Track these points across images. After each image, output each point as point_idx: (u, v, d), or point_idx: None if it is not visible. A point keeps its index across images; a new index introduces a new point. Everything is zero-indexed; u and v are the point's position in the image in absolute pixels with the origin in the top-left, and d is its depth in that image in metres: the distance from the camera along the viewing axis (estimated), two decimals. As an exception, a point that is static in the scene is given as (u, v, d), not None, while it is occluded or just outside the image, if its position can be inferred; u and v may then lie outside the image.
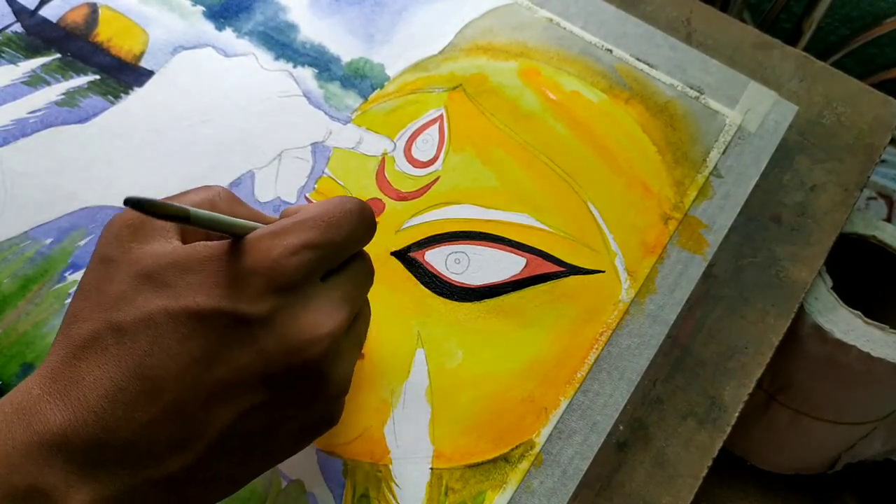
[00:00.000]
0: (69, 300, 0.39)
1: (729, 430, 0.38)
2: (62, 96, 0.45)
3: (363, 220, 0.30)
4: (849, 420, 0.51)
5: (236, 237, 0.27)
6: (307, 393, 0.28)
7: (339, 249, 0.29)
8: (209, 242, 0.27)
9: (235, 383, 0.26)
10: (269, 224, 0.29)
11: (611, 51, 0.47)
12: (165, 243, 0.27)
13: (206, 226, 0.26)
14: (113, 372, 0.25)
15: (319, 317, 0.27)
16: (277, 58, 0.47)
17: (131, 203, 0.23)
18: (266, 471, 0.30)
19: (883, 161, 0.64)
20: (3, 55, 0.46)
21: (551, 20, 0.48)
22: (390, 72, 0.47)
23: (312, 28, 0.48)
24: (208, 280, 0.26)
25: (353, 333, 0.30)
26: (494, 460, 0.36)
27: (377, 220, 0.41)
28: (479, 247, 0.41)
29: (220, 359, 0.25)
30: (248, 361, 0.26)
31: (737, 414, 0.38)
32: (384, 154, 0.44)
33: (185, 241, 0.28)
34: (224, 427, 0.26)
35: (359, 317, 0.31)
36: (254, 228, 0.28)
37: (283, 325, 0.26)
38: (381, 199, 0.42)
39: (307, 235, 0.27)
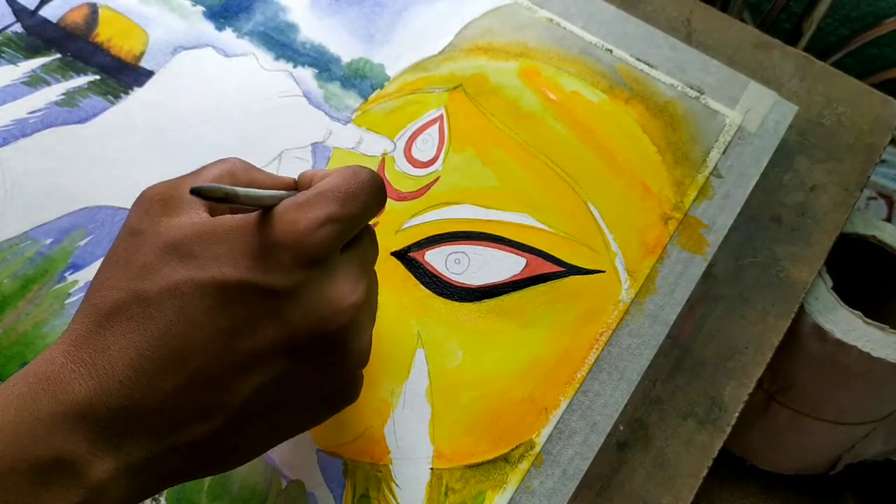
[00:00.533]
0: (69, 300, 0.39)
1: (729, 430, 0.38)
2: (62, 96, 0.45)
3: (377, 190, 0.30)
4: (849, 420, 0.51)
5: (266, 209, 0.27)
6: (330, 364, 0.28)
7: (357, 221, 0.29)
8: (235, 215, 0.27)
9: (260, 354, 0.26)
10: (287, 187, 0.29)
11: (611, 51, 0.47)
12: (194, 215, 0.27)
13: (249, 203, 0.26)
14: (138, 341, 0.25)
15: (343, 289, 0.28)
16: (277, 58, 0.47)
17: (194, 192, 0.24)
18: (287, 439, 0.30)
19: (883, 161, 0.64)
20: (3, 55, 0.46)
21: (551, 20, 0.48)
22: (390, 72, 0.47)
23: (312, 28, 0.48)
24: (235, 252, 0.26)
25: (369, 304, 0.30)
26: (494, 460, 0.36)
27: (377, 220, 0.41)
28: (479, 247, 0.41)
29: (245, 330, 0.26)
30: (274, 333, 0.26)
31: (737, 414, 0.38)
32: (384, 154, 0.44)
33: (211, 214, 0.28)
34: (247, 397, 0.26)
35: (371, 288, 0.31)
36: (281, 199, 0.28)
37: (308, 297, 0.27)
38: (381, 200, 0.42)
39: (330, 208, 0.27)
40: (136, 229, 0.27)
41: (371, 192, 0.29)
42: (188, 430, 0.26)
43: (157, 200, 0.28)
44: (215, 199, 0.25)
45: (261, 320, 0.26)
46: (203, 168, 0.30)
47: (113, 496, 0.25)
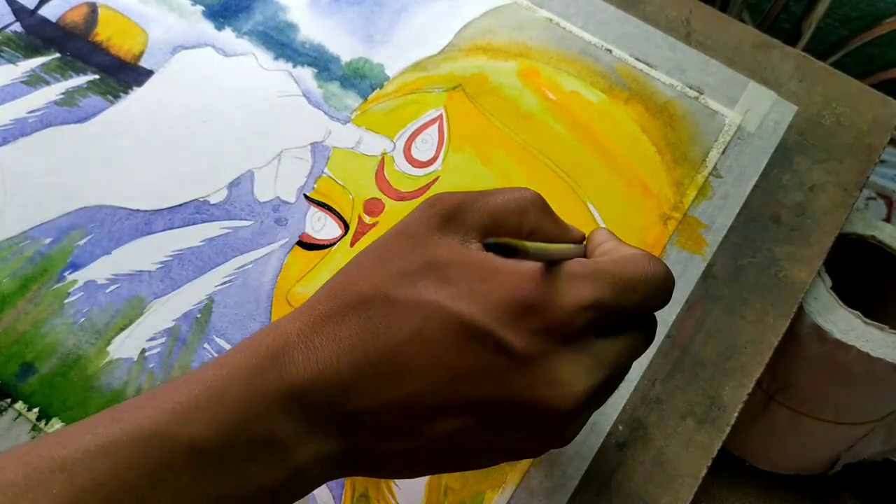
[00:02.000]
0: (68, 299, 0.39)
1: (728, 430, 0.38)
2: (61, 96, 0.45)
3: (663, 289, 0.29)
4: (848, 420, 0.51)
5: (550, 263, 0.26)
6: (532, 435, 0.28)
7: (626, 313, 0.28)
8: (505, 259, 0.26)
9: (474, 403, 0.26)
10: (575, 240, 0.29)
11: (610, 51, 0.47)
12: (468, 242, 0.27)
13: (536, 258, 0.26)
14: (369, 344, 0.25)
15: (578, 374, 0.26)
16: (277, 57, 0.47)
17: (488, 246, 0.24)
18: (456, 472, 0.31)
19: (882, 161, 0.64)
20: (2, 55, 0.46)
21: (551, 20, 0.48)
22: (390, 72, 0.47)
23: (312, 28, 0.48)
24: (491, 295, 0.25)
25: (597, 399, 0.29)
26: (494, 460, 0.36)
27: (377, 219, 0.41)
28: (479, 247, 0.41)
29: (469, 377, 0.25)
30: (494, 391, 0.26)
31: (736, 414, 0.38)
32: (384, 154, 0.44)
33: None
34: (445, 435, 0.26)
35: (611, 382, 0.29)
36: (565, 257, 0.27)
37: (539, 370, 0.26)
38: (380, 199, 0.42)
39: (601, 292, 0.26)
40: (411, 232, 0.27)
41: (655, 290, 0.28)
42: (382, 443, 0.26)
43: (441, 214, 0.27)
44: (504, 253, 0.24)
45: (486, 372, 0.25)
46: (500, 192, 0.29)
47: (307, 479, 0.26)
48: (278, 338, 0.26)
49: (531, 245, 0.25)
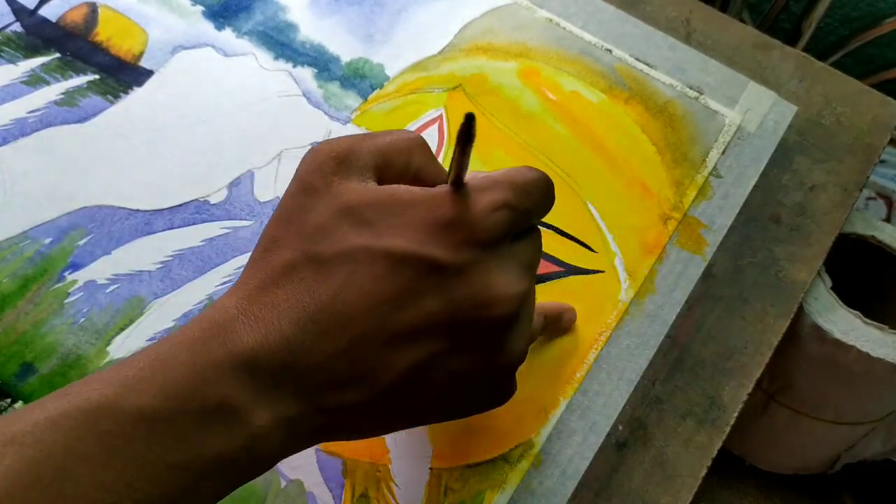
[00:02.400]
0: (69, 299, 0.39)
1: (728, 430, 0.38)
2: (61, 96, 0.45)
3: (548, 191, 0.30)
4: (848, 420, 0.51)
5: (456, 182, 0.27)
6: (484, 353, 0.28)
7: (527, 215, 0.29)
8: (411, 187, 0.27)
9: (420, 328, 0.26)
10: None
11: (610, 51, 0.47)
12: (364, 182, 0.28)
13: (451, 166, 0.26)
14: (307, 301, 0.25)
15: (510, 277, 0.27)
16: (277, 57, 0.47)
17: (468, 117, 0.24)
18: (422, 425, 0.30)
19: (882, 161, 0.64)
20: (2, 55, 0.46)
21: (551, 20, 0.48)
22: (390, 72, 0.47)
23: (312, 28, 0.48)
24: (410, 224, 0.26)
25: (530, 303, 0.30)
26: (494, 460, 0.36)
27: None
28: (479, 247, 0.41)
29: (410, 302, 0.26)
30: (437, 309, 0.26)
31: (736, 414, 0.38)
32: (384, 154, 0.44)
33: (378, 182, 0.28)
34: (402, 370, 0.26)
35: (533, 288, 0.30)
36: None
37: (475, 278, 0.27)
38: (380, 199, 0.42)
39: (505, 195, 0.27)
40: (309, 185, 0.28)
41: (543, 190, 0.29)
42: (339, 394, 0.26)
43: (332, 157, 0.28)
44: (467, 138, 0.25)
45: (426, 295, 0.26)
46: (387, 133, 0.30)
47: (268, 446, 0.26)
48: (218, 312, 0.26)
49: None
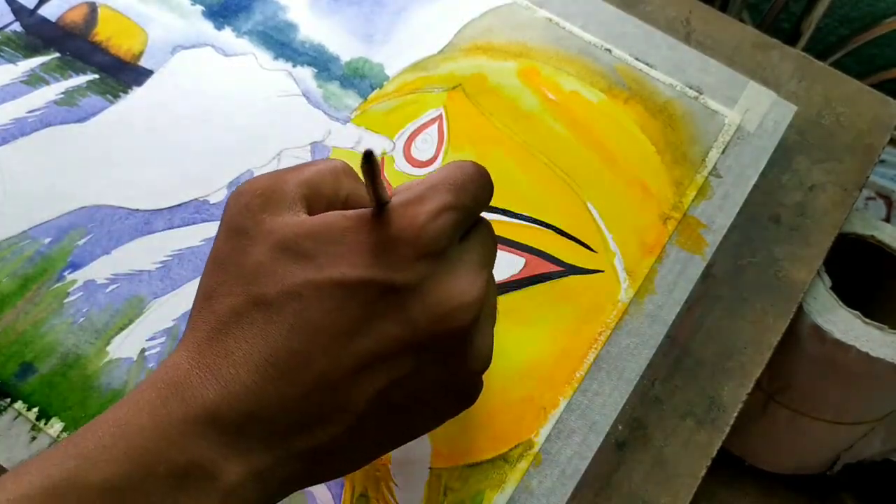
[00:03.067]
0: (68, 299, 0.39)
1: (728, 429, 0.38)
2: (61, 95, 0.45)
3: (485, 180, 0.29)
4: (848, 420, 0.51)
5: (380, 205, 0.26)
6: (451, 364, 0.27)
7: (470, 212, 0.28)
8: (344, 212, 0.26)
9: (383, 353, 0.25)
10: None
11: (610, 51, 0.47)
12: (295, 215, 0.27)
13: (373, 192, 0.26)
14: (261, 346, 0.24)
15: (464, 283, 0.27)
16: (276, 57, 0.47)
17: (367, 155, 0.24)
18: (401, 445, 0.29)
19: (882, 161, 0.64)
20: (2, 54, 0.46)
21: (550, 20, 0.48)
22: (389, 71, 0.47)
23: (312, 28, 0.48)
24: (352, 249, 0.25)
25: (490, 301, 0.29)
26: (493, 460, 0.36)
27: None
28: (479, 246, 0.41)
29: (367, 329, 0.25)
30: (397, 331, 0.25)
31: (735, 414, 0.38)
32: (383, 154, 0.44)
33: (309, 213, 0.27)
34: (371, 397, 0.26)
35: (491, 283, 0.30)
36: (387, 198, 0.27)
37: (430, 292, 0.26)
38: (380, 199, 0.42)
39: (444, 198, 0.27)
40: (239, 228, 0.27)
41: (480, 182, 0.29)
42: (311, 435, 0.25)
43: (257, 195, 0.27)
44: (370, 170, 0.24)
45: (382, 319, 0.25)
46: (310, 164, 0.29)
47: (243, 499, 0.24)
48: (170, 369, 0.25)
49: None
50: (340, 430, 0.26)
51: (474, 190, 0.28)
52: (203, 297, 0.26)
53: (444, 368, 0.27)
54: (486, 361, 0.29)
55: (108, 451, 0.23)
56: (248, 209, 0.27)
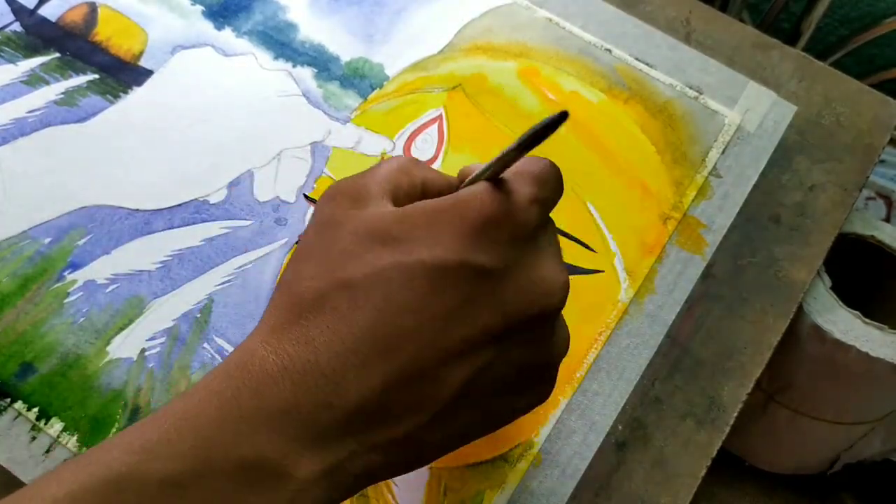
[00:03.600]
0: (68, 299, 0.39)
1: (728, 429, 0.38)
2: (61, 95, 0.45)
3: (560, 176, 0.28)
4: (848, 420, 0.51)
5: (496, 180, 0.26)
6: (535, 349, 0.27)
7: (552, 203, 0.28)
8: (431, 200, 0.26)
9: (473, 340, 0.24)
10: (457, 183, 0.28)
11: (610, 51, 0.47)
12: (384, 206, 0.26)
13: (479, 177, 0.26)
14: (344, 332, 0.23)
15: (553, 267, 0.26)
16: (277, 57, 0.47)
17: (564, 115, 0.23)
18: (477, 439, 0.28)
19: (882, 161, 0.64)
20: (2, 54, 0.46)
21: (550, 20, 0.48)
22: (389, 71, 0.47)
23: (312, 28, 0.48)
24: (445, 232, 0.24)
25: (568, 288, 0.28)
26: (493, 460, 0.36)
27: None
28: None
29: (461, 314, 0.24)
30: (487, 316, 0.24)
31: (735, 414, 0.38)
32: (383, 154, 0.44)
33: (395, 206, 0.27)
34: (457, 388, 0.24)
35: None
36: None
37: (521, 275, 0.25)
38: (380, 199, 0.42)
39: (532, 189, 0.26)
40: (329, 220, 0.26)
41: (558, 176, 0.28)
42: (391, 427, 0.24)
43: (345, 194, 0.27)
44: (538, 139, 0.24)
45: (475, 303, 0.24)
46: (376, 166, 0.29)
47: (314, 497, 0.23)
48: (243, 356, 0.24)
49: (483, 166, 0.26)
50: (423, 421, 0.24)
51: (554, 183, 0.28)
52: (284, 283, 0.26)
53: (529, 353, 0.26)
54: (567, 348, 0.28)
55: (173, 445, 0.22)
56: (341, 206, 0.26)
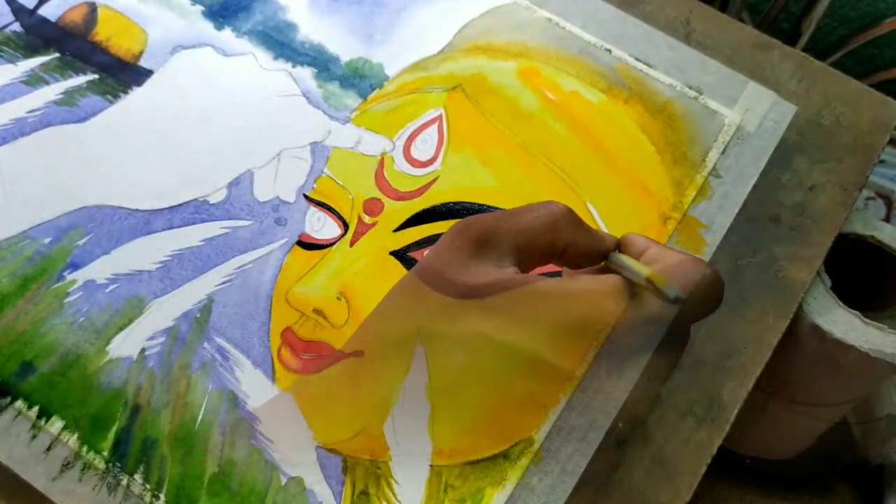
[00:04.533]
0: (68, 299, 0.39)
1: (728, 428, 0.38)
2: (61, 95, 0.45)
3: (714, 292, 0.30)
4: (847, 419, 0.51)
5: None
6: None
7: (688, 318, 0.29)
8: (547, 279, 0.27)
9: None
10: (609, 250, 0.30)
11: (610, 51, 0.47)
12: (501, 266, 0.27)
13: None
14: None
15: None
16: (276, 57, 0.47)
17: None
18: None
19: (882, 161, 0.64)
20: (1, 54, 0.46)
21: (550, 20, 0.48)
22: (389, 72, 0.47)
23: (312, 28, 0.48)
24: (549, 321, 0.26)
25: None
26: (494, 457, 0.36)
27: (376, 219, 0.41)
28: (479, 246, 0.41)
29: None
30: None
31: (735, 413, 0.38)
32: (383, 154, 0.44)
33: (520, 264, 0.28)
34: None
35: None
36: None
37: None
38: (379, 199, 0.42)
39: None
40: (445, 264, 0.28)
41: (707, 292, 0.29)
42: None
43: (472, 240, 0.28)
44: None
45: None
46: (528, 209, 0.29)
47: None
48: None
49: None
50: None
51: (700, 298, 0.29)
52: (382, 316, 0.28)
53: None
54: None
55: None
56: (460, 252, 0.28)
